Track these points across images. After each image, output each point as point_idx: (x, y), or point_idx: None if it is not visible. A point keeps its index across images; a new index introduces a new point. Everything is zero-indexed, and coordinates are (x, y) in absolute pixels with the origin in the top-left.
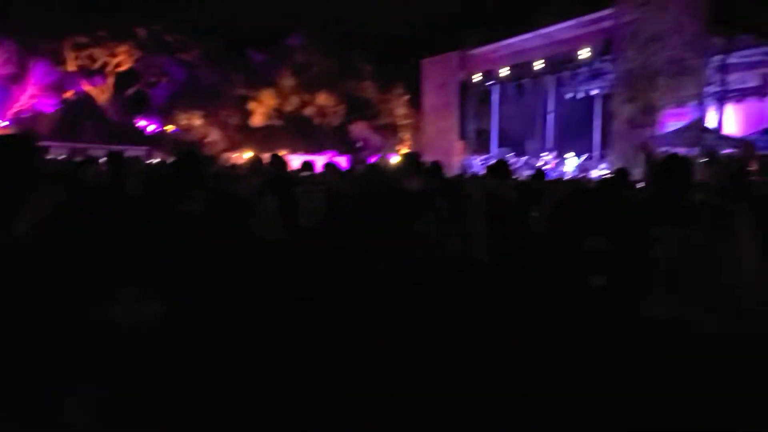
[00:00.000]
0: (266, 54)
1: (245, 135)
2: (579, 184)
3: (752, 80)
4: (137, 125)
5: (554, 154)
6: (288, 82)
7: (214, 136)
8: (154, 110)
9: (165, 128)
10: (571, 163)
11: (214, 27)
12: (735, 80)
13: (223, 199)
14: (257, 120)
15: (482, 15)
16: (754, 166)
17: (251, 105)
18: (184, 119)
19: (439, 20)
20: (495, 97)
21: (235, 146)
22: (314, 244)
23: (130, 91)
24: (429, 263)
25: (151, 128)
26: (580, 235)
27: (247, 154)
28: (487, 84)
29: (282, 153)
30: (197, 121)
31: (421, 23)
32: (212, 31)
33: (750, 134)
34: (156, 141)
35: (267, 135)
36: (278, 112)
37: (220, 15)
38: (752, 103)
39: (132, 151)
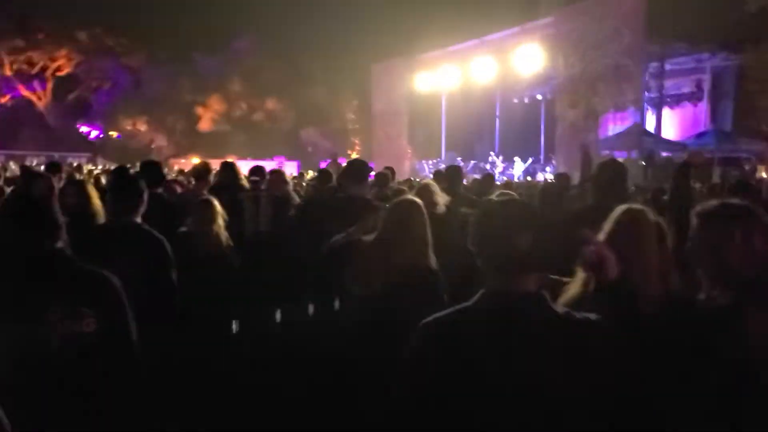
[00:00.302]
0: (214, 58)
1: (192, 140)
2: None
3: (687, 86)
4: (79, 131)
5: (501, 158)
6: (236, 86)
7: (160, 141)
8: (97, 116)
9: (109, 134)
10: (518, 167)
11: (160, 31)
12: (671, 86)
13: (163, 208)
14: (205, 125)
15: (430, 21)
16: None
17: (198, 110)
18: (128, 125)
19: (389, 26)
20: (443, 102)
21: (182, 152)
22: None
23: (71, 96)
24: (373, 271)
25: (93, 134)
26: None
27: (195, 160)
28: (435, 88)
29: (230, 158)
30: (142, 126)
31: (370, 29)
32: (158, 34)
33: (686, 138)
34: (99, 147)
35: (215, 140)
36: (226, 117)
37: (166, 18)
38: (687, 108)
39: (74, 158)
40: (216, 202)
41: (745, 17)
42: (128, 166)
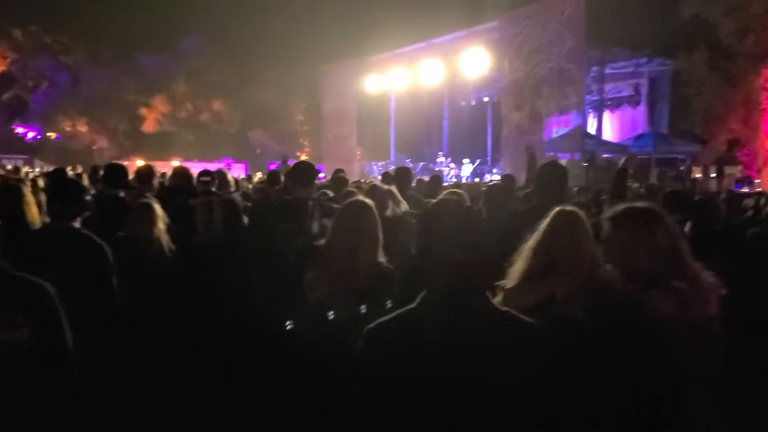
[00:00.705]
0: (158, 58)
1: (136, 142)
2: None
3: (626, 90)
4: (15, 132)
5: (449, 159)
6: (182, 87)
7: (101, 143)
8: (34, 116)
9: (47, 135)
10: (466, 168)
11: (102, 29)
12: (611, 90)
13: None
14: (149, 126)
15: (379, 24)
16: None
17: (142, 111)
18: (68, 126)
19: (338, 28)
20: (392, 104)
21: (125, 154)
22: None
23: (6, 95)
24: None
25: (30, 135)
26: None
27: (139, 162)
28: (384, 91)
29: (176, 160)
30: (82, 127)
31: (319, 31)
32: (99, 32)
33: (625, 140)
34: (37, 149)
35: (160, 142)
36: (172, 118)
37: (108, 16)
38: (626, 111)
39: (10, 161)
40: (156, 206)
41: (679, 24)
42: (68, 168)
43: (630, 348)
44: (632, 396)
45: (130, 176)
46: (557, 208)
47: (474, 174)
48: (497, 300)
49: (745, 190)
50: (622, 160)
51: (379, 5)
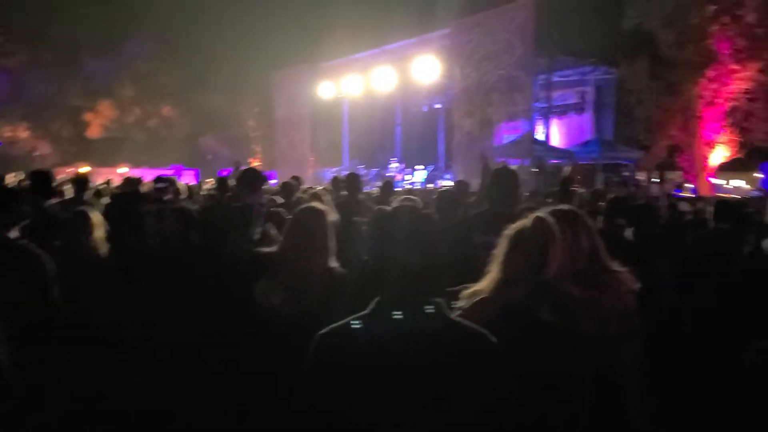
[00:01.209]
0: (104, 61)
1: (81, 148)
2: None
3: (572, 97)
4: None
5: (402, 165)
6: (129, 91)
7: (44, 149)
8: None
9: None
10: (419, 174)
11: (44, 31)
12: (558, 97)
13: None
14: (94, 132)
15: (332, 29)
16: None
17: (87, 116)
18: (7, 131)
19: (290, 33)
20: (345, 110)
21: (69, 160)
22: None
23: None
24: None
25: None
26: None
27: (84, 169)
28: (338, 97)
29: (123, 167)
30: (23, 133)
31: (271, 36)
32: (41, 35)
33: (572, 146)
34: None
35: (106, 148)
36: (118, 123)
37: (50, 18)
38: (573, 118)
39: None
40: (93, 214)
41: (621, 34)
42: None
43: (579, 345)
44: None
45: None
46: (535, 215)
47: (427, 180)
48: (463, 305)
49: (685, 194)
50: (566, 169)
51: (332, 11)
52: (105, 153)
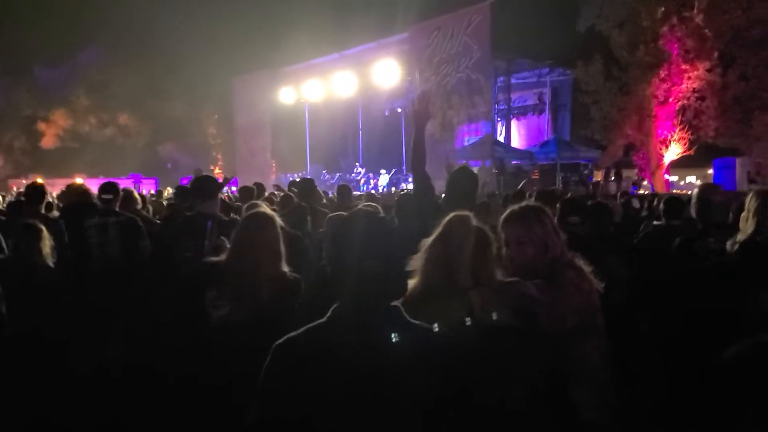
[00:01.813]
0: (57, 70)
1: (35, 159)
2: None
3: (530, 99)
4: None
5: (364, 169)
6: (83, 100)
7: None
8: None
9: None
10: (383, 179)
11: None
12: (517, 99)
13: None
14: (48, 142)
15: (291, 35)
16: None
17: (40, 126)
18: None
19: (249, 39)
20: (307, 116)
21: (22, 171)
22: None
23: None
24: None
25: None
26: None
27: (39, 180)
28: (299, 102)
29: (79, 177)
30: None
31: (230, 42)
32: None
33: (531, 146)
34: None
35: (61, 158)
36: (73, 133)
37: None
38: (532, 119)
39: None
40: (41, 227)
41: (576, 37)
42: None
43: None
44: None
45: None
46: (452, 214)
47: (390, 183)
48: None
49: (641, 192)
50: (522, 183)
51: (291, 17)
52: (60, 163)
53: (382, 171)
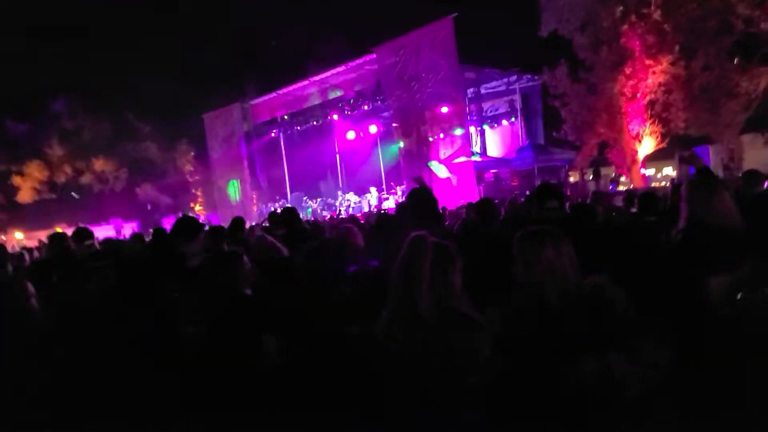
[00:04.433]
0: (27, 123)
1: (12, 214)
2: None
3: (502, 107)
4: None
5: (342, 193)
6: (57, 150)
7: None
8: None
9: None
10: (373, 198)
11: None
12: (489, 108)
13: None
14: (25, 196)
15: (258, 65)
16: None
17: (16, 180)
18: None
19: (216, 73)
20: (282, 144)
21: (0, 228)
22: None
23: None
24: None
25: None
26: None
27: (18, 235)
28: (273, 132)
29: (60, 228)
30: None
31: (197, 77)
32: None
33: (508, 154)
34: None
35: (40, 211)
36: (50, 184)
37: None
38: (505, 127)
39: None
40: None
41: (540, 42)
42: None
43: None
44: None
45: None
46: (414, 235)
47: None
48: None
49: (621, 189)
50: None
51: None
52: (38, 217)
53: (372, 189)
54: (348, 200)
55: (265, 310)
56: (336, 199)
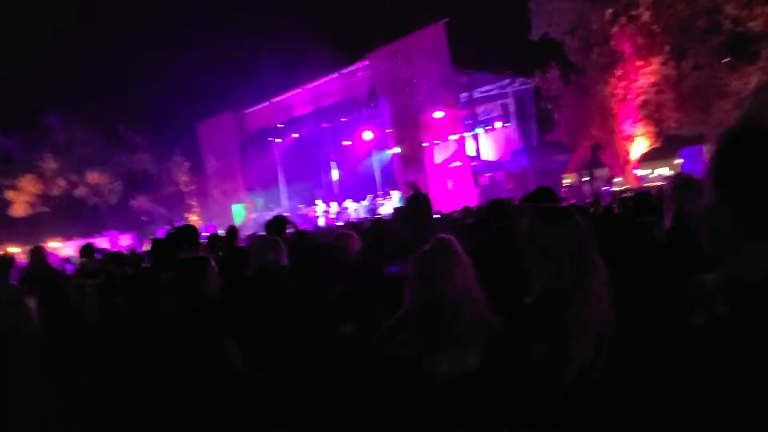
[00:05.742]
0: (20, 137)
1: (6, 229)
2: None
3: (496, 111)
4: None
5: (333, 201)
6: (50, 164)
7: None
8: None
9: None
10: (362, 205)
11: None
12: (482, 112)
13: None
14: (18, 210)
15: (251, 74)
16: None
17: (9, 194)
18: None
19: (209, 82)
20: (277, 153)
21: None
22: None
23: None
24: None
25: None
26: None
27: (13, 250)
28: (267, 141)
29: (55, 241)
30: None
31: (191, 87)
32: None
33: (502, 157)
34: None
35: (34, 225)
36: (44, 198)
37: None
38: (499, 130)
39: None
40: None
41: (531, 45)
42: None
43: None
44: None
45: None
46: (437, 237)
47: (369, 209)
48: None
49: (615, 189)
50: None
51: (248, 58)
52: (33, 230)
53: (369, 196)
54: (345, 207)
55: (228, 314)
56: (330, 206)
